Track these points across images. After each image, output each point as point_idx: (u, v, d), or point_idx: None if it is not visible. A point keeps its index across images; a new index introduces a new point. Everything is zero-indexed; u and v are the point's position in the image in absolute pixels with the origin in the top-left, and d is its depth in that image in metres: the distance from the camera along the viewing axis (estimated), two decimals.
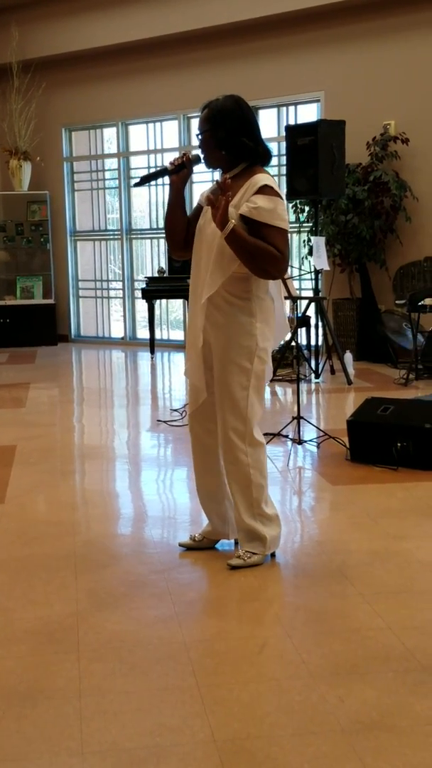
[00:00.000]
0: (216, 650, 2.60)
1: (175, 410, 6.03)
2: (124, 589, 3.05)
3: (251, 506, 3.18)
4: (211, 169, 3.21)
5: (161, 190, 10.04)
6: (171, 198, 3.18)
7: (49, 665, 2.50)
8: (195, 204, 3.29)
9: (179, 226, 3.19)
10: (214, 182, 3.16)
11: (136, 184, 3.30)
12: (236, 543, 3.42)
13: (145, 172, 3.35)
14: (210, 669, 2.48)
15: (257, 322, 3.09)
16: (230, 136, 3.04)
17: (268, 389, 7.09)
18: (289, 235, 3.09)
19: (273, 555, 3.29)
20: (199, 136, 3.12)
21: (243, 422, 3.12)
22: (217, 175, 3.25)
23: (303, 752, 2.06)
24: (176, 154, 3.28)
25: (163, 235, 9.94)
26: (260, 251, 2.96)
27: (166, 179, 3.20)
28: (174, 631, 2.70)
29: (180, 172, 3.15)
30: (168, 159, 8.45)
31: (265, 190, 3.00)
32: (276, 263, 2.99)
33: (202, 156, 3.15)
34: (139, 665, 2.49)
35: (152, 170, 3.22)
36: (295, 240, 9.04)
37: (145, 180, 3.27)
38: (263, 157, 3.12)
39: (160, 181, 9.73)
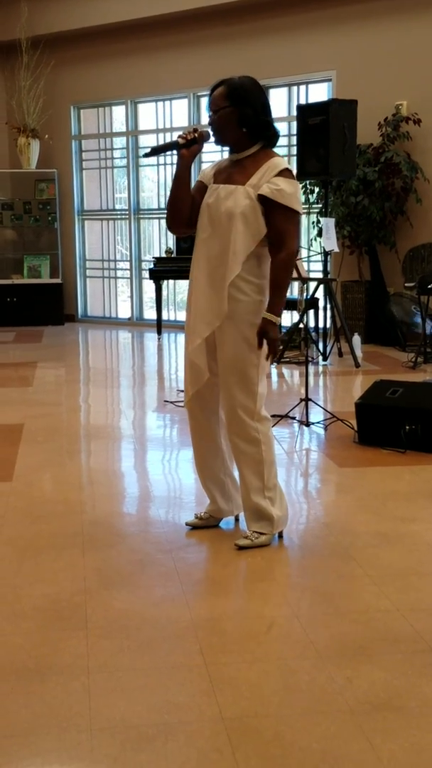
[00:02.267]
0: (223, 629, 2.60)
1: (182, 391, 6.01)
2: (131, 567, 3.05)
3: (262, 484, 3.18)
4: (220, 147, 3.18)
5: (170, 169, 9.98)
6: (178, 172, 3.15)
7: (58, 642, 2.51)
8: (196, 180, 3.25)
9: (185, 202, 3.16)
10: (191, 128, 3.17)
11: (146, 155, 3.27)
12: (237, 519, 3.44)
13: (153, 146, 3.31)
14: (217, 648, 2.48)
15: (265, 300, 3.13)
16: (256, 114, 3.05)
17: (275, 371, 7.08)
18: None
19: (281, 535, 3.29)
20: (215, 112, 3.08)
21: (252, 399, 3.13)
22: (226, 153, 3.22)
23: (311, 732, 2.06)
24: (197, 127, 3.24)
25: None
26: (286, 282, 3.09)
27: (174, 157, 3.19)
28: (181, 610, 2.71)
29: (191, 147, 3.12)
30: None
31: (286, 173, 3.05)
32: (290, 263, 3.09)
33: (213, 133, 3.12)
34: (146, 643, 2.50)
35: (163, 143, 3.18)
36: (304, 221, 8.98)
37: (155, 151, 3.25)
38: (276, 139, 3.16)
39: (168, 160, 9.74)
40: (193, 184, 3.23)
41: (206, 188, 3.17)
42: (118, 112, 10.37)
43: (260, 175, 3.04)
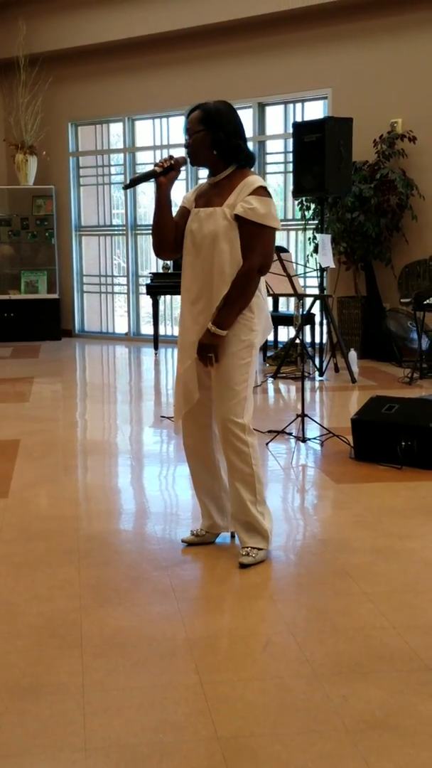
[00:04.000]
0: (219, 647, 2.60)
1: None
2: (127, 584, 3.05)
3: (254, 500, 3.22)
4: (195, 167, 3.25)
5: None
6: (159, 200, 3.23)
7: (52, 660, 2.50)
8: (179, 206, 3.31)
9: (168, 228, 3.23)
10: (167, 156, 3.25)
11: (126, 187, 3.34)
12: (232, 536, 3.45)
13: (131, 177, 3.38)
14: (213, 666, 2.47)
15: (255, 317, 3.19)
16: (228, 138, 3.13)
17: (271, 386, 7.09)
18: (276, 233, 3.23)
19: None
20: (190, 136, 3.17)
21: (243, 414, 3.18)
22: (203, 173, 3.28)
23: (306, 751, 2.05)
24: (182, 151, 3.29)
25: None
26: (243, 301, 3.10)
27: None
28: (177, 628, 2.70)
29: (168, 174, 3.21)
30: (174, 155, 8.35)
31: (259, 191, 3.11)
32: (255, 283, 3.13)
33: (188, 155, 3.21)
34: (142, 661, 2.49)
35: (139, 173, 3.25)
36: (300, 237, 9.03)
37: (133, 182, 3.33)
38: (251, 160, 3.23)
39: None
40: (175, 210, 3.30)
41: (189, 213, 3.24)
42: (116, 129, 10.42)
43: (236, 195, 3.12)
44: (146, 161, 10.16)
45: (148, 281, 9.15)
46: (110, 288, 10.69)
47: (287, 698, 2.29)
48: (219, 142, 3.13)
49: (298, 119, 8.80)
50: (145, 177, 3.26)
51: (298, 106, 9.01)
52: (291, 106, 9.05)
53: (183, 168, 3.24)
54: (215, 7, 8.69)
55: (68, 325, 10.63)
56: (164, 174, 3.20)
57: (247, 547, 3.23)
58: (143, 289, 9.73)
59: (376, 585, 3.01)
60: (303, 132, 7.31)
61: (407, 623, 2.70)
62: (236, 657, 2.54)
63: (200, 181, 3.35)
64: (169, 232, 3.23)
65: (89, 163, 10.64)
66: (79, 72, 10.10)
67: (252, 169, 3.23)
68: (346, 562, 3.23)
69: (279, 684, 2.36)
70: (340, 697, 2.28)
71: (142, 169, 10.15)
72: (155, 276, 9.12)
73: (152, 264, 10.22)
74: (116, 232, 10.51)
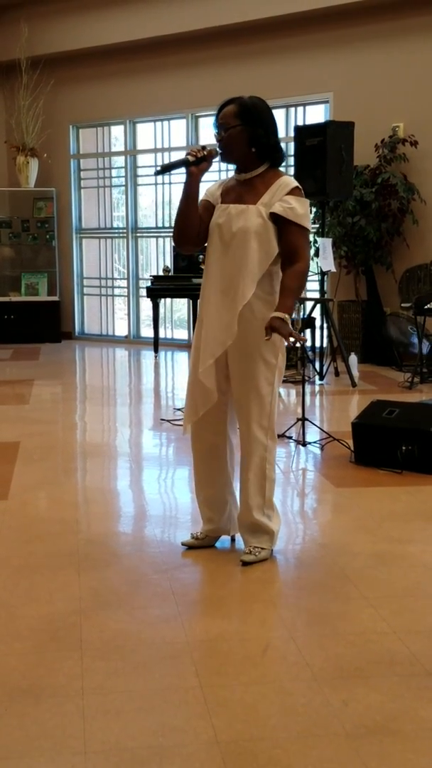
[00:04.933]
0: (219, 651, 2.59)
1: (179, 409, 6.01)
2: (126, 587, 3.04)
3: (262, 501, 3.22)
4: (227, 164, 3.21)
5: (167, 189, 10.03)
6: (187, 190, 3.14)
7: (52, 663, 2.49)
8: (202, 199, 3.25)
9: (193, 220, 3.15)
10: (200, 146, 3.16)
11: (157, 172, 3.25)
12: (233, 539, 3.45)
13: (163, 163, 3.32)
14: (213, 670, 2.46)
15: None
16: (267, 134, 3.09)
17: None
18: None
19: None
20: (225, 130, 3.09)
21: (268, 418, 3.16)
22: (231, 171, 3.26)
23: (306, 755, 2.05)
24: (183, 153, 3.26)
25: (169, 234, 9.95)
26: (298, 289, 3.11)
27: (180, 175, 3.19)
28: (177, 631, 2.69)
29: (200, 165, 3.12)
30: (175, 158, 8.35)
31: (296, 192, 3.10)
32: (306, 274, 3.14)
33: (222, 151, 3.14)
34: (142, 665, 2.48)
35: (172, 161, 3.19)
36: None
37: (165, 169, 3.24)
38: (283, 159, 3.22)
39: (165, 180, 9.79)
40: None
41: (212, 207, 3.18)
42: (117, 132, 10.43)
43: (271, 194, 3.07)
44: (147, 164, 10.17)
45: (149, 284, 9.15)
46: (110, 290, 10.69)
47: (287, 702, 2.28)
48: (258, 139, 3.07)
49: (300, 123, 8.81)
50: (177, 164, 3.18)
51: (300, 109, 9.02)
52: (293, 109, 9.06)
53: (215, 160, 3.15)
54: (217, 11, 8.70)
55: (68, 327, 10.63)
56: (196, 164, 3.10)
57: (251, 546, 3.24)
58: (143, 292, 9.73)
59: (377, 589, 3.01)
60: (304, 136, 7.32)
61: (408, 628, 2.70)
62: (236, 661, 2.53)
63: (222, 176, 3.28)
64: (193, 224, 3.15)
65: (90, 165, 10.65)
66: (81, 74, 10.11)
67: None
68: (346, 566, 3.22)
69: (279, 688, 2.36)
70: (340, 702, 2.27)
71: (142, 172, 10.16)
72: (155, 279, 9.11)
73: (152, 267, 10.22)
74: (117, 235, 10.51)
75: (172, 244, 9.71)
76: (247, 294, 3.07)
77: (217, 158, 3.15)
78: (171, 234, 10.18)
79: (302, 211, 3.07)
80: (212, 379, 3.16)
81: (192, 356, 3.28)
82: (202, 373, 3.15)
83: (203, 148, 3.13)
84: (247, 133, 3.07)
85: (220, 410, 3.24)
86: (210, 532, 3.42)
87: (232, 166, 3.23)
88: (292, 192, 3.07)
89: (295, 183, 3.11)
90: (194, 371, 3.21)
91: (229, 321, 3.10)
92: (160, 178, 9.81)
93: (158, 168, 3.26)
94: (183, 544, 3.43)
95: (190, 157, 3.11)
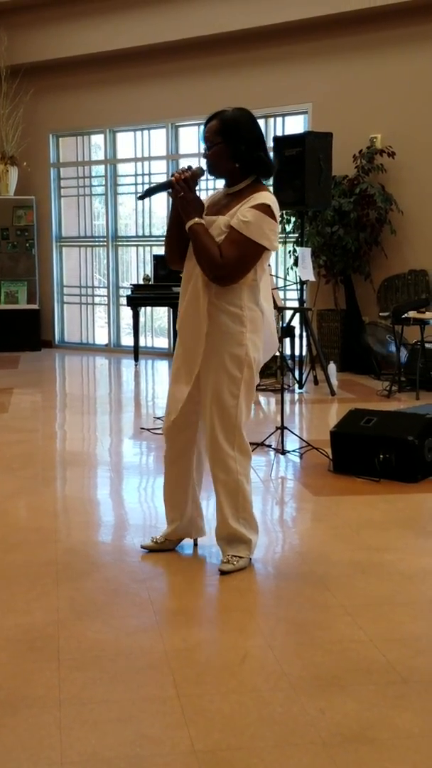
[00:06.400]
0: (197, 660, 2.59)
1: (158, 418, 6.01)
2: (105, 597, 3.04)
3: (237, 511, 3.23)
4: (216, 178, 3.22)
5: (147, 199, 10.03)
6: (174, 211, 3.17)
7: (29, 673, 2.49)
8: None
9: (180, 239, 3.17)
10: (183, 167, 3.17)
11: (141, 197, 3.26)
12: (195, 544, 3.49)
13: (131, 181, 3.33)
14: (191, 679, 2.47)
15: (247, 332, 3.14)
16: (249, 150, 3.09)
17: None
18: (270, 254, 3.16)
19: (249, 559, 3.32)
20: (208, 148, 3.11)
21: (233, 429, 3.16)
22: (219, 184, 3.27)
23: (284, 764, 2.06)
24: (163, 163, 3.28)
25: (149, 243, 9.97)
26: (203, 251, 3.04)
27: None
28: (155, 641, 2.69)
29: (186, 185, 3.12)
30: (155, 168, 8.39)
31: (261, 207, 3.05)
32: (212, 267, 3.04)
33: (207, 167, 3.16)
34: (119, 675, 2.48)
35: (156, 183, 3.19)
36: (280, 251, 9.08)
37: (149, 193, 3.25)
38: (271, 171, 3.21)
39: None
40: None
41: None
42: (97, 141, 10.44)
43: (240, 207, 3.08)
44: (128, 173, 10.19)
45: (129, 292, 9.16)
46: (90, 299, 10.68)
47: (265, 711, 2.29)
48: (240, 155, 3.08)
49: (279, 133, 8.87)
50: (161, 187, 3.20)
51: (279, 120, 9.08)
52: (272, 120, 9.12)
53: (202, 178, 3.16)
54: (197, 22, 8.74)
55: (48, 335, 10.60)
56: (180, 186, 3.10)
57: (228, 555, 3.25)
58: (123, 301, 9.73)
59: (354, 598, 3.02)
60: (283, 146, 7.37)
61: (384, 636, 2.71)
62: (214, 670, 2.54)
63: (213, 191, 3.29)
64: (180, 244, 3.17)
65: (70, 174, 10.64)
66: (61, 83, 10.12)
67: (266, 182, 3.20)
68: (325, 574, 3.24)
69: (256, 697, 2.36)
70: (317, 710, 2.28)
71: (122, 181, 10.18)
72: (135, 287, 9.12)
73: (132, 275, 10.23)
74: (97, 244, 10.51)
75: (152, 253, 9.78)
76: (203, 303, 3.09)
77: (203, 175, 3.16)
78: (150, 243, 10.23)
79: (255, 223, 3.01)
80: (186, 390, 3.20)
81: (174, 363, 3.32)
82: (184, 378, 3.20)
83: (188, 168, 3.15)
84: (229, 149, 3.08)
85: (189, 418, 3.28)
86: (170, 535, 3.45)
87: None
88: (256, 207, 3.04)
89: (264, 199, 3.06)
90: (172, 379, 3.27)
91: (188, 333, 3.14)
92: (140, 187, 9.83)
93: (142, 193, 3.27)
94: (142, 547, 3.48)
95: (173, 180, 3.11)
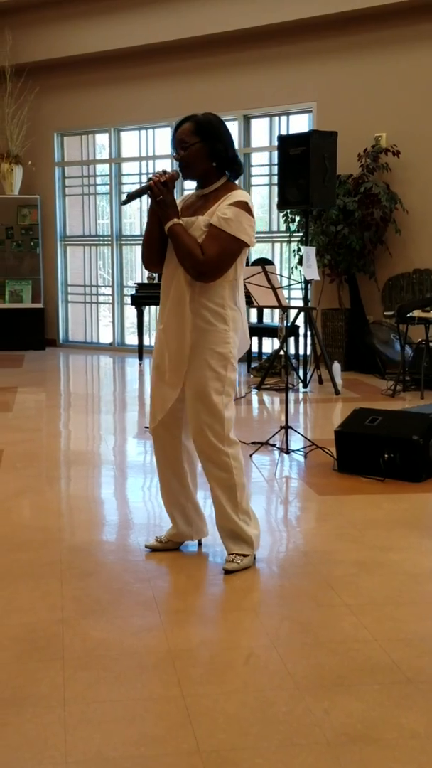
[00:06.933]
0: (201, 660, 2.59)
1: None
2: (109, 596, 3.04)
3: (236, 507, 3.24)
4: (187, 180, 3.24)
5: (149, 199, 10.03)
6: (153, 215, 3.21)
7: (34, 672, 2.49)
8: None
9: (160, 241, 3.22)
10: (159, 171, 3.20)
11: (123, 202, 3.33)
12: (199, 544, 3.51)
13: (136, 180, 3.37)
14: (195, 679, 2.46)
15: (230, 330, 3.19)
16: (226, 149, 3.15)
17: (255, 398, 7.10)
18: (248, 251, 3.23)
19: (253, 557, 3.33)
20: (184, 149, 3.14)
21: (221, 425, 3.19)
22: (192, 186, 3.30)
23: (288, 764, 2.05)
24: (168, 162, 3.31)
25: None
26: (185, 250, 3.08)
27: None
28: (159, 640, 2.69)
29: (164, 188, 3.18)
30: (159, 167, 8.40)
31: (239, 204, 3.12)
32: (195, 264, 3.08)
33: (183, 169, 3.20)
34: (124, 674, 2.48)
35: (136, 188, 3.24)
36: (285, 250, 9.07)
37: (130, 198, 3.30)
38: (242, 171, 3.29)
39: None
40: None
41: None
42: (102, 140, 10.44)
43: (217, 206, 3.13)
44: (132, 172, 10.19)
45: (133, 291, 9.16)
46: (95, 298, 10.68)
47: (269, 711, 2.29)
48: (218, 153, 3.14)
49: (284, 132, 8.86)
50: (141, 192, 3.25)
51: (284, 119, 9.07)
52: (276, 119, 9.11)
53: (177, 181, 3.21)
54: (202, 20, 8.74)
55: (53, 334, 10.61)
56: (159, 189, 3.15)
57: (233, 554, 3.26)
58: (128, 300, 9.73)
59: (359, 597, 3.02)
60: (288, 145, 7.36)
61: (389, 636, 2.71)
62: (218, 670, 2.54)
63: (185, 192, 3.31)
64: (161, 246, 3.22)
65: (75, 173, 10.65)
66: (66, 82, 10.12)
67: (236, 182, 3.26)
68: (329, 574, 3.23)
69: (261, 697, 2.36)
70: (321, 710, 2.28)
71: (127, 180, 10.18)
72: (140, 286, 9.12)
73: (137, 274, 10.23)
74: (101, 242, 10.51)
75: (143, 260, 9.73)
76: (185, 302, 3.12)
77: (178, 179, 3.20)
78: (144, 250, 10.12)
79: (235, 220, 3.08)
80: (176, 392, 3.23)
81: (153, 363, 3.33)
82: (169, 379, 3.22)
83: (164, 172, 3.19)
84: (206, 148, 3.14)
85: (176, 416, 3.30)
86: (172, 537, 3.47)
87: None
88: (235, 204, 3.10)
89: (242, 197, 3.13)
90: (156, 379, 3.28)
91: (183, 335, 3.15)
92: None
93: (124, 198, 3.32)
94: (146, 546, 3.49)
95: (152, 184, 3.15)
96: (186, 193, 3.40)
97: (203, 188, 3.21)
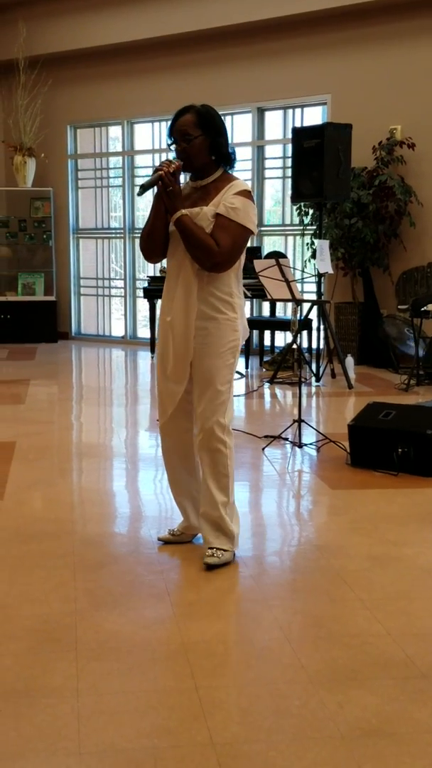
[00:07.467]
0: (214, 652, 2.59)
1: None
2: (122, 588, 3.03)
3: (226, 499, 3.24)
4: (185, 172, 3.23)
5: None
6: (159, 205, 3.19)
7: (47, 663, 2.49)
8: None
9: (163, 231, 3.21)
10: (165, 160, 3.18)
11: (139, 193, 3.30)
12: None
13: (149, 172, 3.38)
14: (208, 671, 2.46)
15: (239, 318, 3.22)
16: (225, 142, 3.18)
17: (268, 392, 7.09)
18: (250, 238, 3.22)
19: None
20: (186, 141, 3.12)
21: (224, 415, 3.21)
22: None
23: (302, 757, 2.05)
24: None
25: None
26: (199, 241, 3.08)
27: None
28: (172, 632, 2.69)
29: (172, 177, 3.18)
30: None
31: (243, 194, 3.15)
32: (210, 255, 3.09)
33: (184, 160, 3.18)
34: (137, 666, 2.48)
35: (148, 179, 3.23)
36: (298, 243, 9.04)
37: (144, 189, 3.29)
38: (234, 162, 3.29)
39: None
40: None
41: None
42: (115, 132, 10.43)
43: (221, 197, 3.14)
44: (145, 164, 10.17)
45: (146, 284, 9.15)
46: (107, 291, 10.68)
47: (282, 705, 2.28)
48: (218, 147, 3.16)
49: (298, 125, 8.82)
50: (153, 182, 3.23)
51: (298, 111, 9.03)
52: (290, 111, 9.07)
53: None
54: (215, 12, 8.70)
55: (65, 327, 10.62)
56: (169, 179, 3.15)
57: (213, 548, 3.24)
58: (140, 293, 9.73)
59: (372, 592, 3.01)
60: (302, 137, 7.33)
61: (403, 630, 2.70)
62: (231, 662, 2.53)
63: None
64: (165, 237, 3.22)
65: (88, 165, 10.64)
66: (79, 75, 10.10)
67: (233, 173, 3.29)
68: (342, 568, 3.22)
69: (274, 690, 2.35)
70: (335, 704, 2.27)
71: (139, 172, 10.16)
72: (152, 279, 9.10)
73: (149, 267, 10.22)
74: (114, 235, 10.50)
75: (143, 250, 9.71)
76: (194, 293, 3.13)
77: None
78: (145, 240, 10.09)
79: (242, 209, 3.11)
80: (184, 383, 3.24)
81: (158, 357, 3.32)
82: (172, 374, 3.23)
83: (170, 162, 3.18)
84: (208, 141, 3.14)
85: (184, 407, 3.30)
86: (185, 529, 3.48)
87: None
88: (239, 193, 3.12)
89: (244, 186, 3.17)
90: (161, 374, 3.28)
91: (189, 325, 3.16)
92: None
93: (138, 190, 3.32)
94: (159, 539, 3.50)
95: (162, 173, 3.13)
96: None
97: (201, 179, 3.21)
